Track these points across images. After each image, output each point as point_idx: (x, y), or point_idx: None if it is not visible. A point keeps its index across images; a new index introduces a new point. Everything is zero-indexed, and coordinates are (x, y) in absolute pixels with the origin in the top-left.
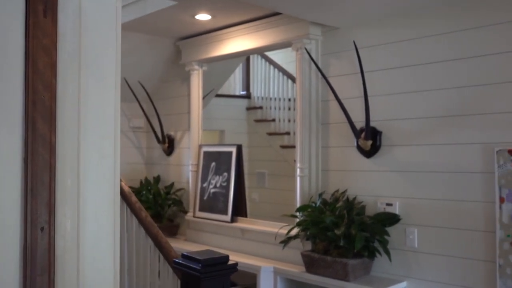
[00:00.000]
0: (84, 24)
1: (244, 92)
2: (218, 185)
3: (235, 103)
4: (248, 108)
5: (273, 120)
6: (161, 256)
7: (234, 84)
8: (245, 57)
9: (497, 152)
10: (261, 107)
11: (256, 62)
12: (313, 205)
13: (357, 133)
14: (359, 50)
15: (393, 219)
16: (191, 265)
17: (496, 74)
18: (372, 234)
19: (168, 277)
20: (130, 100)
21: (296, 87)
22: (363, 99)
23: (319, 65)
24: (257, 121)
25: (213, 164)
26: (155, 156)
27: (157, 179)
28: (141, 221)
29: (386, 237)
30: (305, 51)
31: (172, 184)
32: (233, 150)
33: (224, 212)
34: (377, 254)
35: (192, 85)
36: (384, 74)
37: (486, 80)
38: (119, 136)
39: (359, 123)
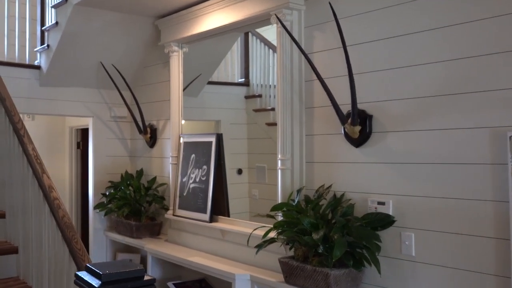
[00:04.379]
0: None
1: (242, 80)
2: (197, 179)
3: (232, 91)
4: (247, 97)
5: (273, 109)
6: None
7: (233, 70)
8: (235, 39)
9: (510, 138)
10: (260, 96)
11: (255, 47)
12: (293, 203)
13: (343, 118)
14: (344, 20)
15: (386, 221)
16: (89, 281)
17: (506, 40)
18: (359, 238)
19: None
20: (111, 87)
21: (276, 66)
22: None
23: (302, 39)
24: (256, 110)
25: (193, 156)
26: (138, 148)
27: (140, 172)
28: (57, 222)
29: (377, 242)
30: (282, 23)
31: (155, 179)
32: (213, 140)
33: (203, 210)
34: (366, 264)
35: (172, 68)
36: (374, 47)
37: (494, 48)
38: None
39: (347, 106)
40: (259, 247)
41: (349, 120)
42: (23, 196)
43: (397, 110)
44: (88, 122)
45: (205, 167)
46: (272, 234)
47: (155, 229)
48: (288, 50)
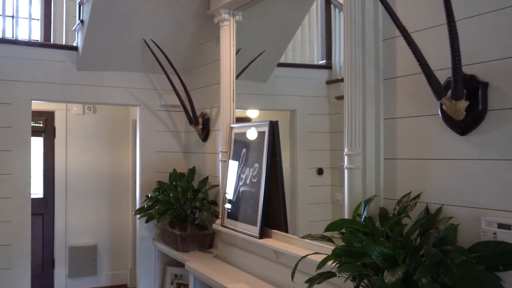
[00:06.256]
0: None
1: (323, 61)
2: (247, 181)
3: (310, 75)
4: (329, 82)
5: None
6: None
7: (312, 51)
8: (306, 7)
9: None
10: (343, 80)
11: (339, 23)
12: (361, 219)
13: (439, 89)
14: None
15: None
16: None
17: None
18: (464, 284)
19: None
20: (162, 70)
21: (343, 21)
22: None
23: None
24: (339, 98)
25: (244, 150)
26: (192, 142)
27: (192, 171)
28: None
29: None
30: None
31: (206, 179)
32: (265, 129)
33: (253, 222)
34: None
35: (223, 42)
36: None
37: None
38: None
39: (445, 72)
40: (310, 282)
41: (449, 93)
42: None
43: None
44: (136, 112)
45: (256, 165)
46: (332, 264)
47: (205, 241)
48: None
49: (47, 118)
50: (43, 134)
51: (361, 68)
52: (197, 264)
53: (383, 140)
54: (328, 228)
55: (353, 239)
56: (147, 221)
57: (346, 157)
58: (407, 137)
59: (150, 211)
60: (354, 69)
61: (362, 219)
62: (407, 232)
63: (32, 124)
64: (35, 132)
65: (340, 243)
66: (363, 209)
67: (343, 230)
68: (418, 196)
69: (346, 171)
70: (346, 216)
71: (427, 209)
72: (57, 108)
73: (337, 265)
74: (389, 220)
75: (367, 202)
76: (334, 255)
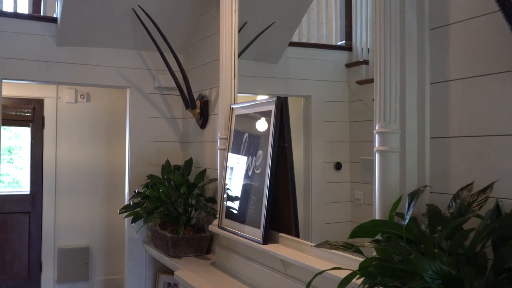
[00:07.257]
0: None
1: (342, 42)
2: (250, 172)
3: (328, 57)
4: (348, 65)
5: None
6: None
7: (329, 29)
8: None
9: None
10: (366, 62)
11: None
12: (401, 220)
13: None
14: None
15: None
16: None
17: None
18: None
19: None
20: (155, 48)
21: None
22: None
23: None
24: (361, 82)
25: (246, 135)
26: (190, 129)
27: (189, 163)
28: None
29: None
30: None
31: (204, 172)
32: (271, 108)
33: (256, 223)
34: None
35: (223, 7)
36: None
37: None
38: None
39: None
40: None
41: None
42: None
43: None
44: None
45: (260, 152)
46: (358, 281)
47: (201, 245)
48: None
49: (36, 106)
50: (31, 124)
51: (398, 15)
52: (188, 273)
53: (429, 111)
54: (355, 233)
55: (393, 250)
56: (133, 221)
57: (377, 136)
58: (464, 107)
59: (137, 209)
60: (389, 16)
61: (406, 221)
62: (472, 241)
63: (18, 113)
64: (22, 122)
65: (369, 253)
66: (407, 206)
67: (379, 237)
68: (489, 187)
69: (377, 155)
70: (377, 216)
71: (497, 208)
72: (47, 95)
73: (366, 286)
74: (448, 224)
75: (414, 196)
76: (366, 273)
